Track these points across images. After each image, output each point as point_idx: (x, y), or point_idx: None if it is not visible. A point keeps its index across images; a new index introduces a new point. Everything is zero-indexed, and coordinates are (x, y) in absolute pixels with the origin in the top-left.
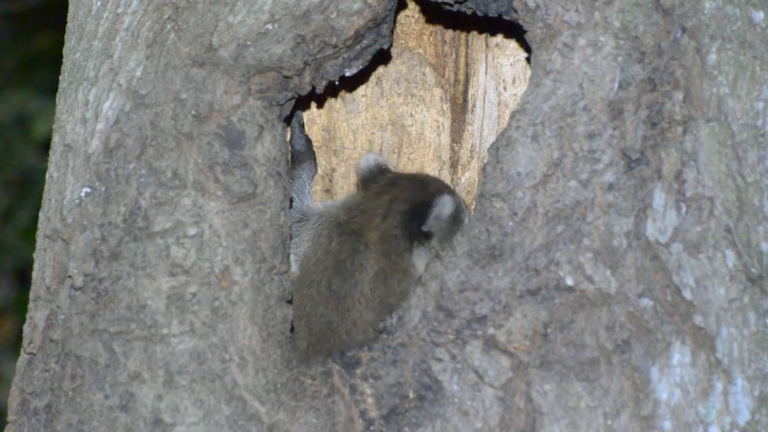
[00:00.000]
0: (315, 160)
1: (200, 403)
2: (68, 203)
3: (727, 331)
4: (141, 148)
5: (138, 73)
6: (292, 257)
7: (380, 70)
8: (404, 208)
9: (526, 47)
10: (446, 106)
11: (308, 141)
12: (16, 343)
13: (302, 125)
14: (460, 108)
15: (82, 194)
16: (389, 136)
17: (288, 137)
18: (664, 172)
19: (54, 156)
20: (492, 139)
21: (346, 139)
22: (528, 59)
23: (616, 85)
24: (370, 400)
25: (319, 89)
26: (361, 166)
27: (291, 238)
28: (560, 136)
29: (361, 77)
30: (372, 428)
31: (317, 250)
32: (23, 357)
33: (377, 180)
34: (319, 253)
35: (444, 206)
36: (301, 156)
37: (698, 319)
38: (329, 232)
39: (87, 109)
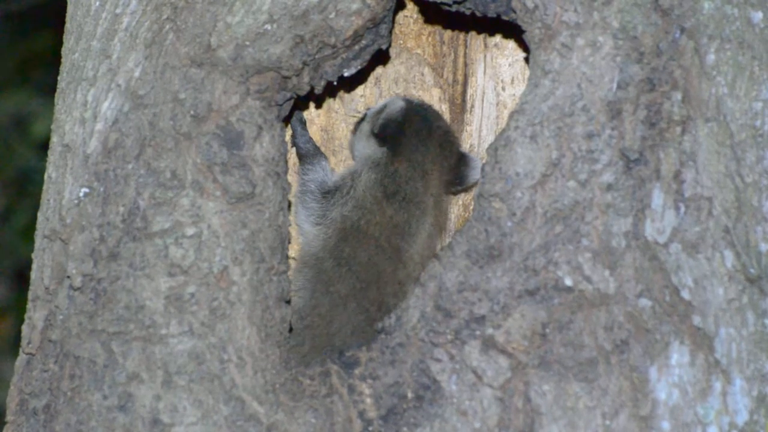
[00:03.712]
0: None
1: (199, 403)
2: (67, 203)
3: (726, 332)
4: (140, 148)
5: (137, 74)
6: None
7: (379, 70)
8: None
9: (525, 47)
10: (445, 107)
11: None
12: (14, 344)
13: (304, 123)
14: (458, 108)
15: (81, 194)
16: None
17: (287, 137)
18: (663, 173)
19: (53, 156)
20: (491, 139)
21: (345, 139)
22: (527, 59)
23: (614, 86)
24: (368, 400)
25: (318, 89)
26: (391, 117)
27: (335, 192)
28: (559, 137)
29: (360, 77)
30: (370, 428)
31: (366, 213)
32: (22, 357)
33: (406, 140)
34: (369, 216)
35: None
36: (312, 150)
37: (697, 320)
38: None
39: (86, 110)
